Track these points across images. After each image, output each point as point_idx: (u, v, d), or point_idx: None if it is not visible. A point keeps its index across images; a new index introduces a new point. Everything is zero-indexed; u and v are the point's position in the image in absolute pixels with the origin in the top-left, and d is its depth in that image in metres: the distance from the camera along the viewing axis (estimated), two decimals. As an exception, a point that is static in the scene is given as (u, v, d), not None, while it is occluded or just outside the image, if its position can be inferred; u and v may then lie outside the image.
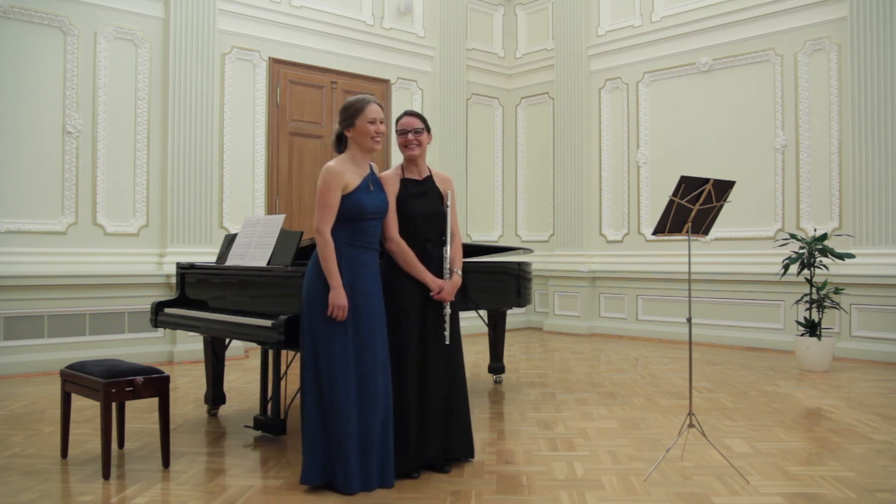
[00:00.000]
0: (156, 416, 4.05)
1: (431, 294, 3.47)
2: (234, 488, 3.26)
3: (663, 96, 8.68)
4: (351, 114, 3.38)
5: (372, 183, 3.39)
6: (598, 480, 3.37)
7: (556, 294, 9.36)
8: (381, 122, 3.40)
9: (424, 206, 3.53)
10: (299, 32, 8.06)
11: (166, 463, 3.56)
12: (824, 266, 6.40)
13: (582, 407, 4.93)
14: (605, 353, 7.47)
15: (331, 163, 3.33)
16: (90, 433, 4.15)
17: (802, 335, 6.43)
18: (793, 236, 6.54)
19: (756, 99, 7.86)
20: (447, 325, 3.48)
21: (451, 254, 3.56)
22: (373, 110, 3.37)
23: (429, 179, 3.61)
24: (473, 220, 9.76)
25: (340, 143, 3.44)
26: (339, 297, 3.22)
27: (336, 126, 3.46)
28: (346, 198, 3.29)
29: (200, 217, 7.15)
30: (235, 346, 6.93)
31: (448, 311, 3.49)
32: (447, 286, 3.48)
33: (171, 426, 4.14)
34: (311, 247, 4.29)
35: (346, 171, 3.31)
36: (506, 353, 7.00)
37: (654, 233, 3.79)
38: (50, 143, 6.47)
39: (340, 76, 8.41)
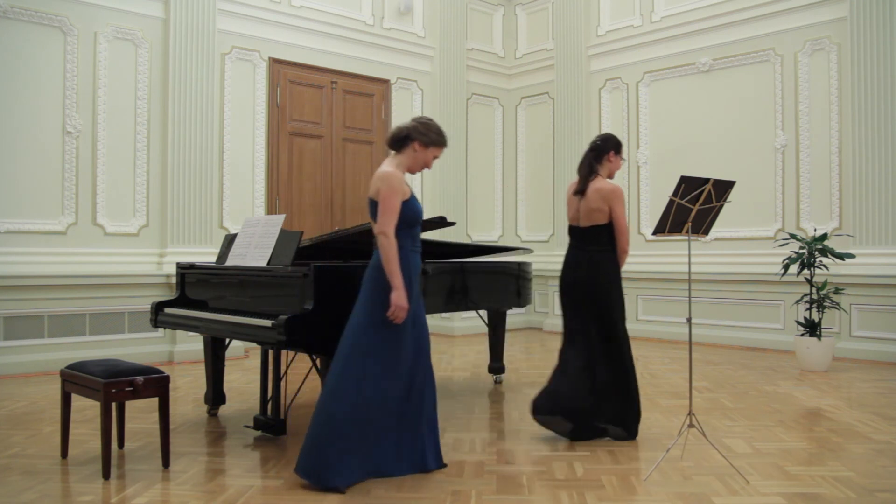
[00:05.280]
0: (156, 416, 4.05)
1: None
2: (234, 488, 3.26)
3: (663, 96, 8.67)
4: (435, 139, 3.43)
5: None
6: (598, 480, 3.37)
7: (555, 294, 9.35)
8: None
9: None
10: (299, 32, 8.06)
11: (166, 463, 3.56)
12: (824, 266, 6.40)
13: (582, 407, 4.91)
14: (605, 353, 7.45)
15: (390, 168, 3.33)
16: (90, 433, 4.15)
17: (802, 335, 6.43)
18: (793, 236, 6.54)
19: (756, 99, 7.86)
20: None
21: None
22: (443, 151, 3.52)
23: None
24: (473, 220, 9.75)
25: (402, 144, 3.43)
26: (401, 299, 3.25)
27: (405, 127, 3.42)
28: (405, 204, 3.31)
29: (200, 217, 7.15)
30: (235, 346, 6.93)
31: None
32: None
33: (171, 426, 4.13)
34: (311, 247, 4.30)
35: (404, 178, 3.37)
36: (506, 353, 6.97)
37: (654, 233, 3.80)
38: (50, 143, 6.47)
39: (340, 76, 8.41)
